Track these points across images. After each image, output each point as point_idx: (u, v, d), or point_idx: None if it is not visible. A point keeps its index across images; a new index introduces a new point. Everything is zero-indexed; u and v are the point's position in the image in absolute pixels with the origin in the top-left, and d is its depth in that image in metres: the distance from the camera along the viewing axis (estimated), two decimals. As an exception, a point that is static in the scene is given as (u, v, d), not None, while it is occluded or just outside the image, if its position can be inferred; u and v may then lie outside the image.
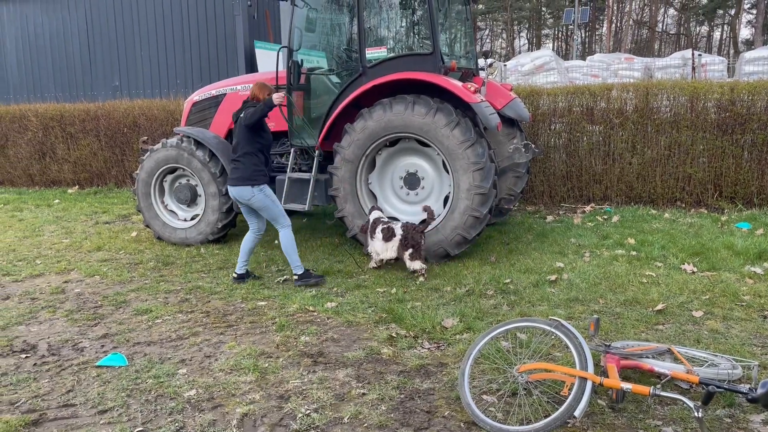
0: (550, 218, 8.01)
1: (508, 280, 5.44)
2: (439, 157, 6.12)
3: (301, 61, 6.63)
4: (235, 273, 5.67)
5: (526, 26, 51.86)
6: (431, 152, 6.19)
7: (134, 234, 7.56)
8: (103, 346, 4.29)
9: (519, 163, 7.02)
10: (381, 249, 5.77)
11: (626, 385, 3.05)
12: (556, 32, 51.87)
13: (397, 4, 6.54)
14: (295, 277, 5.54)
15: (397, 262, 5.87)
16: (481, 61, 7.38)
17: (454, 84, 5.87)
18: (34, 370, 3.91)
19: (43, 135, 11.38)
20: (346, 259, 6.34)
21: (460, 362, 3.90)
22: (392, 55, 6.34)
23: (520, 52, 47.79)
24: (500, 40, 54.20)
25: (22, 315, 4.91)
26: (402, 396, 3.51)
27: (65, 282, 5.79)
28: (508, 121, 6.97)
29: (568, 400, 3.02)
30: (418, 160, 6.33)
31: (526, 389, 3.32)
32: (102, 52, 13.29)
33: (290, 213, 8.30)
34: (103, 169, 11.17)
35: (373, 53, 6.28)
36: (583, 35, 46.33)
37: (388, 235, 5.68)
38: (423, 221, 5.82)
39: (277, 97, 5.35)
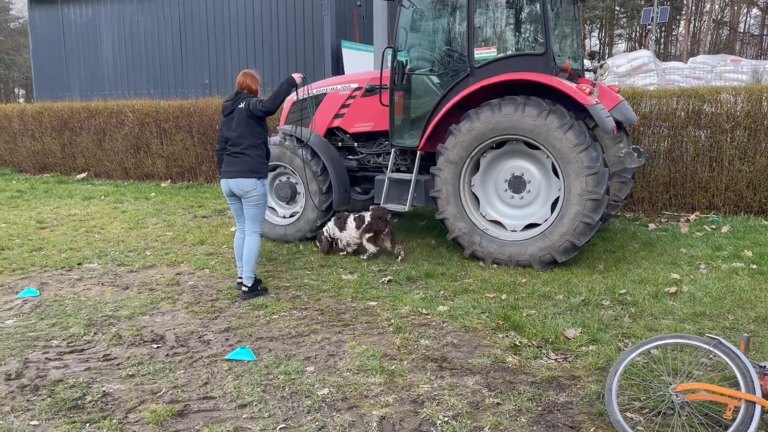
0: (652, 226, 7.68)
1: (623, 291, 5.23)
2: (548, 160, 5.95)
3: (406, 61, 6.59)
4: (246, 286, 5.23)
5: (598, 26, 50.29)
6: (539, 155, 6.03)
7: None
8: (227, 339, 4.37)
9: (626, 168, 6.76)
10: (355, 236, 6.38)
11: (801, 413, 2.84)
12: (630, 32, 50.06)
13: (506, 3, 6.40)
14: (245, 288, 5.23)
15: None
16: (587, 62, 7.13)
17: (568, 85, 5.70)
18: (167, 361, 4.02)
19: (139, 130, 11.84)
20: (446, 262, 6.26)
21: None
22: (501, 55, 6.21)
23: (590, 52, 46.34)
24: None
25: (144, 305, 5.08)
26: (540, 408, 3.40)
27: (177, 274, 5.97)
28: (615, 124, 6.72)
29: (734, 425, 2.85)
30: (525, 163, 6.17)
31: (679, 409, 3.15)
32: (193, 51, 13.74)
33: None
34: (194, 164, 11.52)
35: (481, 53, 6.17)
36: (659, 35, 44.48)
37: (360, 222, 6.33)
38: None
39: (297, 75, 5.54)
